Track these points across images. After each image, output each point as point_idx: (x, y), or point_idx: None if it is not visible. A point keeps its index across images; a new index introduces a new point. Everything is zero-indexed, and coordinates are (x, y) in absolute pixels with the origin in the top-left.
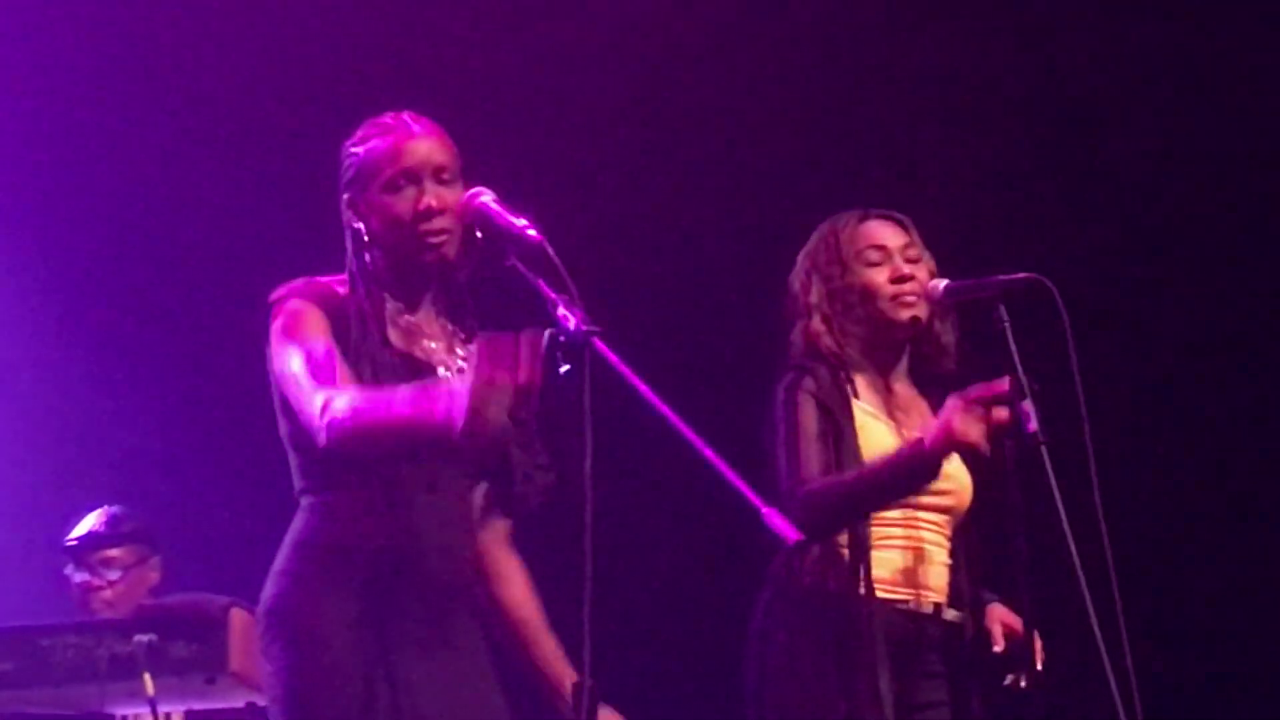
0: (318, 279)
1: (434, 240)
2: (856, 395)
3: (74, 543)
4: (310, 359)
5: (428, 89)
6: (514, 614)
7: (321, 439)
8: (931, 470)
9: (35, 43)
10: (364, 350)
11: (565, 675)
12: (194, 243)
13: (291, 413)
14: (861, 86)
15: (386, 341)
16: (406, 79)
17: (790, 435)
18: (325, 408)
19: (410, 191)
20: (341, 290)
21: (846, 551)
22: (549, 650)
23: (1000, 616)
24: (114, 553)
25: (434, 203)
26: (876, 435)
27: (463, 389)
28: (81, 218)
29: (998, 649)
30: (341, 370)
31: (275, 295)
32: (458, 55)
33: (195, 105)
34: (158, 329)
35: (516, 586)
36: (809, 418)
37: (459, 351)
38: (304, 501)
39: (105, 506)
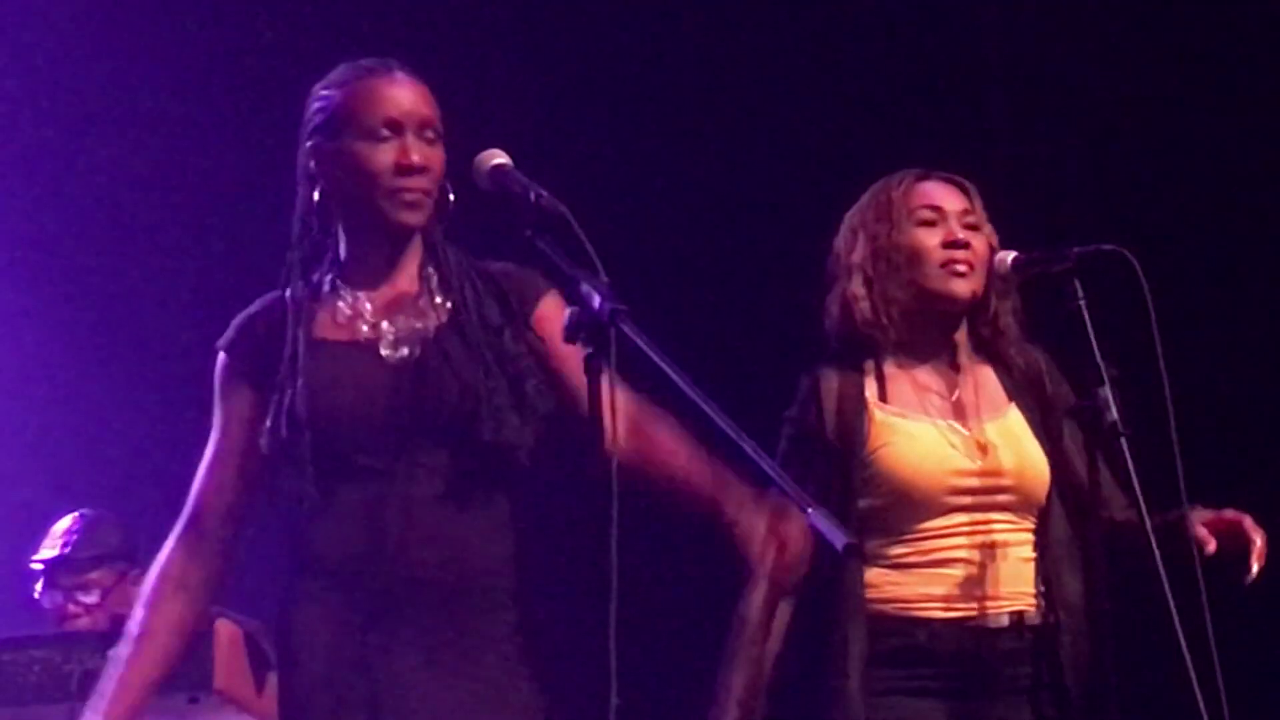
0: (268, 299)
1: (410, 199)
2: (884, 397)
3: (44, 564)
4: (205, 462)
5: (443, 54)
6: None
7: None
8: None
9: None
10: (286, 366)
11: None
12: (183, 245)
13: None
14: (928, 49)
15: (310, 336)
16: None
17: None
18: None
19: (393, 143)
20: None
21: (877, 570)
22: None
23: (1202, 518)
24: (92, 576)
25: (418, 158)
26: (907, 438)
27: None
28: (66, 217)
29: (1210, 550)
30: (214, 472)
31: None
32: (471, 21)
33: (191, 106)
34: (137, 324)
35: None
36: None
37: (436, 302)
38: None
39: (78, 513)
